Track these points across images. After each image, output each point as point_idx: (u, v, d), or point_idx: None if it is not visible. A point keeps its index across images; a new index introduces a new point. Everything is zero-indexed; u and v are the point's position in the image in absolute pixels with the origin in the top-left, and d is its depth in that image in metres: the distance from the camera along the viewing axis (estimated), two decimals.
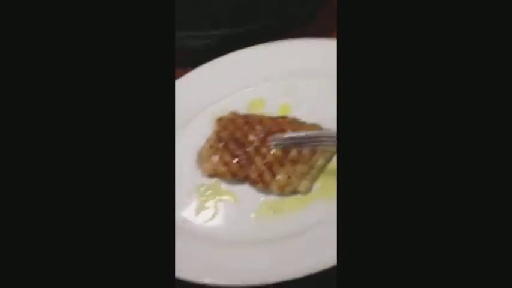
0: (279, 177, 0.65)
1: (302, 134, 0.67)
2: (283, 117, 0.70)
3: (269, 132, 0.68)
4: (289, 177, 0.65)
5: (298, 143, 0.66)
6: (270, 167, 0.66)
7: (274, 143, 0.67)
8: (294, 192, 0.65)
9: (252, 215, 0.65)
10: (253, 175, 0.66)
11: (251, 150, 0.68)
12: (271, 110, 0.74)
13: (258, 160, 0.67)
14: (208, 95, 0.77)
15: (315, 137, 0.66)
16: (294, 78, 0.76)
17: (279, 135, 0.67)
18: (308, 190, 0.65)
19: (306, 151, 0.66)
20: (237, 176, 0.67)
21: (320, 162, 0.66)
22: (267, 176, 0.65)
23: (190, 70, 0.80)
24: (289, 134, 0.67)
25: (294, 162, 0.66)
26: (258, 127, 0.69)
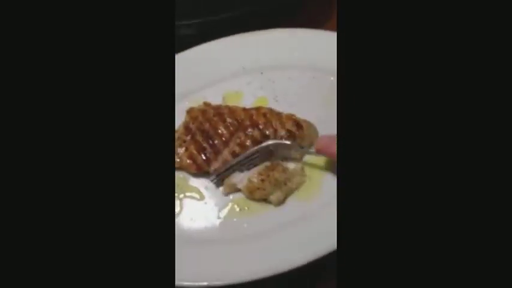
0: (253, 179, 0.59)
1: (239, 158, 0.61)
2: (258, 108, 0.65)
3: (241, 126, 0.64)
4: (263, 180, 0.59)
5: (237, 166, 0.61)
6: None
7: (212, 178, 0.62)
8: (265, 200, 0.59)
9: (219, 213, 0.60)
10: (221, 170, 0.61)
11: (219, 143, 0.63)
12: (247, 103, 0.69)
13: (226, 154, 0.62)
14: (181, 85, 0.72)
15: (253, 153, 0.61)
16: (273, 71, 0.72)
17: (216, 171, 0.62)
18: (280, 202, 0.59)
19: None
20: (202, 170, 0.62)
21: (298, 178, 0.60)
22: None
23: None
24: (227, 164, 0.61)
25: (271, 168, 0.60)
26: (229, 119, 0.64)
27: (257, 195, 0.59)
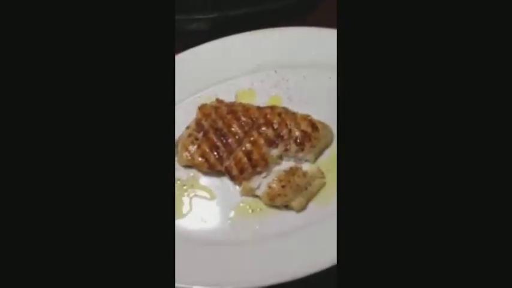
0: (273, 185, 0.58)
1: None
2: (272, 107, 0.63)
3: (255, 124, 0.62)
4: (284, 186, 0.57)
5: None
6: (254, 165, 0.59)
7: None
8: (286, 206, 0.57)
9: (230, 214, 0.59)
10: (235, 172, 0.59)
11: (232, 142, 0.61)
12: (260, 101, 0.67)
13: (240, 154, 0.60)
14: (193, 81, 0.71)
15: None
16: (287, 69, 0.70)
17: None
18: (302, 208, 0.57)
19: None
20: (214, 169, 0.61)
21: (318, 181, 0.58)
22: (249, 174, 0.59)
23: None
24: None
25: (291, 173, 0.58)
26: (243, 118, 0.63)
27: (278, 201, 0.57)
